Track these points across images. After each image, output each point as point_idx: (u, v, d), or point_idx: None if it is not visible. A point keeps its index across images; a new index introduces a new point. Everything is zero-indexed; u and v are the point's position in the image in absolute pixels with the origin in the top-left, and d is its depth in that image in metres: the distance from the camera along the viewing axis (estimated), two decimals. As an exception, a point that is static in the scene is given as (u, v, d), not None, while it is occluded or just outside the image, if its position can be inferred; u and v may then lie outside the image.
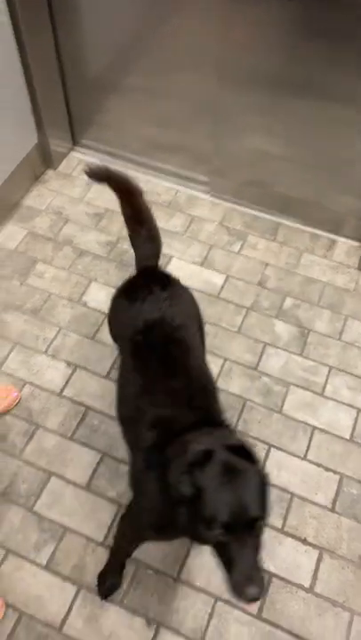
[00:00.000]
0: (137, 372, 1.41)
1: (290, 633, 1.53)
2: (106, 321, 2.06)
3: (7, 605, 1.54)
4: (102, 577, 1.58)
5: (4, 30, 1.98)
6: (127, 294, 1.55)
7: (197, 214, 2.44)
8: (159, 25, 2.07)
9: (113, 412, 1.84)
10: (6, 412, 1.86)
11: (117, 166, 2.52)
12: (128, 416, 1.41)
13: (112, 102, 2.41)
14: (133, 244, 1.65)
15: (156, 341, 1.41)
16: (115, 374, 1.95)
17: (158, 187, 2.53)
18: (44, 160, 2.50)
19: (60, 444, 1.82)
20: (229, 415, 1.86)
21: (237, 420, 1.88)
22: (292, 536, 1.68)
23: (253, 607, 1.55)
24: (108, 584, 1.56)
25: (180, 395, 1.32)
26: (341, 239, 2.37)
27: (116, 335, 1.64)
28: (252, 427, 1.86)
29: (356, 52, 1.83)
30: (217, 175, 2.42)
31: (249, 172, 2.36)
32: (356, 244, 2.36)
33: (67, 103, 2.46)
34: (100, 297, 2.15)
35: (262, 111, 2.11)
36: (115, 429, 1.83)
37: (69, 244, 2.31)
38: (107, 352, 2.01)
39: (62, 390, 1.93)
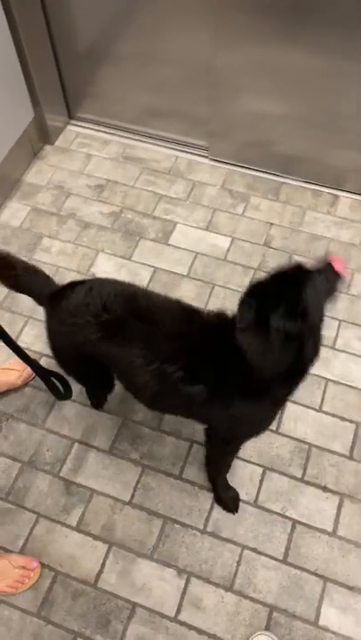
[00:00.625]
0: (129, 346, 1.28)
1: (315, 574, 1.59)
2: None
3: (42, 566, 1.60)
4: (225, 494, 1.67)
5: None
6: (56, 311, 1.39)
7: (198, 179, 2.43)
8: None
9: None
10: (26, 384, 1.91)
11: (115, 136, 2.55)
12: (165, 392, 1.31)
13: (105, 72, 2.39)
14: (24, 287, 1.49)
15: (120, 310, 1.29)
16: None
17: (157, 154, 2.52)
18: (41, 135, 2.49)
19: (80, 412, 1.86)
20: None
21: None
22: (313, 484, 1.72)
23: (279, 552, 1.61)
24: (233, 494, 1.68)
25: (182, 327, 1.27)
26: (344, 194, 2.37)
27: (70, 352, 1.47)
28: (267, 383, 1.90)
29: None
30: (216, 138, 2.40)
31: (248, 134, 2.34)
32: (359, 198, 2.36)
33: (60, 77, 2.44)
34: (109, 267, 2.17)
35: (260, 70, 2.09)
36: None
37: (73, 218, 2.32)
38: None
39: (78, 360, 1.97)
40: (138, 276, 2.14)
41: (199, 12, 2.01)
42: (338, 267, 1.17)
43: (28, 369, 1.88)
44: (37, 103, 2.36)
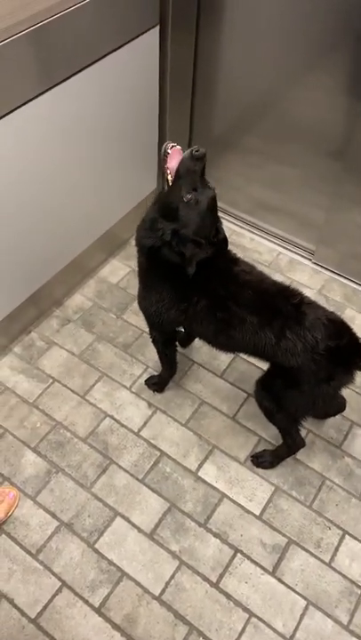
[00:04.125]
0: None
1: None
2: (191, 366, 2.09)
3: (54, 641, 1.51)
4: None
5: (152, 89, 2.13)
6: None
7: (297, 279, 2.43)
8: (285, 94, 2.15)
9: (186, 462, 1.85)
10: (7, 517, 1.70)
11: (225, 221, 2.62)
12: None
13: (229, 160, 2.50)
14: None
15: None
16: (193, 424, 1.94)
17: (261, 246, 2.56)
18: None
19: (130, 484, 1.80)
20: (305, 491, 1.80)
21: (313, 499, 1.79)
22: (358, 636, 1.55)
23: None
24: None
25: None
26: None
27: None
28: (329, 508, 1.77)
29: None
30: (323, 244, 2.42)
31: (356, 246, 2.34)
32: None
33: (189, 155, 2.57)
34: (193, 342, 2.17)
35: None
36: (185, 481, 1.81)
37: (168, 288, 2.36)
38: (188, 399, 2.00)
39: (140, 430, 1.93)
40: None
41: (330, 134, 2.09)
42: None
43: (8, 497, 1.73)
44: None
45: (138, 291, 1.71)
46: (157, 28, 1.98)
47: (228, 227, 2.60)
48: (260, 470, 1.85)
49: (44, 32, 1.54)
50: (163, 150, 1.36)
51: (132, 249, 2.49)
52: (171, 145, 1.35)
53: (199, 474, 1.84)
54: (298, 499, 1.79)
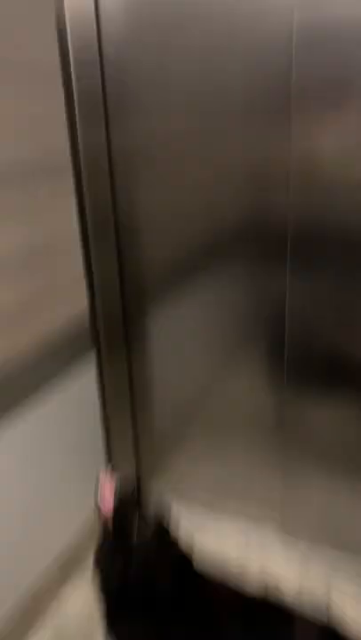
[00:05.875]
0: None
1: None
2: None
3: None
4: None
5: (93, 415, 2.33)
6: None
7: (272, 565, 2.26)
8: (217, 388, 2.37)
9: None
10: None
11: (183, 519, 2.53)
12: None
13: (175, 461, 2.58)
14: None
15: None
16: None
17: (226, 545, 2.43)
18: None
19: None
20: None
21: None
22: None
23: None
24: None
25: None
26: None
27: None
28: None
29: None
30: (287, 533, 2.35)
31: (321, 516, 2.28)
32: None
33: (137, 468, 2.65)
34: None
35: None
36: None
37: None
38: None
39: None
40: None
41: (264, 413, 2.27)
42: None
43: None
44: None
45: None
46: (93, 353, 2.26)
47: (191, 526, 2.49)
48: None
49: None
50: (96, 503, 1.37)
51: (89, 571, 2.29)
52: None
53: None
54: None
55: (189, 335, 2.32)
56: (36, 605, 2.06)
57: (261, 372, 2.27)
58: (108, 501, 1.33)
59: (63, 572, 2.22)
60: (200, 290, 2.21)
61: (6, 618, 1.90)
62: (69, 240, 2.08)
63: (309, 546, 2.33)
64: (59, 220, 2.00)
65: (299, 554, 2.30)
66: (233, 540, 2.41)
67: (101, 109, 2.02)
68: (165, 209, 2.13)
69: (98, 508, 1.34)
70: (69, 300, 2.10)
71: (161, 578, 1.32)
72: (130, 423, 2.55)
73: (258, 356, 2.25)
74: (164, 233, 2.18)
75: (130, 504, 1.30)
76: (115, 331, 2.36)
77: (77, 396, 2.19)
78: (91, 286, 2.24)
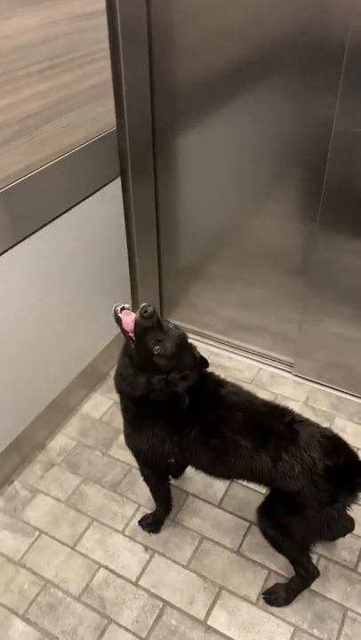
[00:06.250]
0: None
1: None
2: (186, 498, 1.97)
3: None
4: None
5: (119, 233, 2.28)
6: None
7: (281, 392, 2.43)
8: (242, 224, 2.31)
9: (193, 610, 1.67)
10: None
11: (202, 344, 2.66)
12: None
13: (198, 287, 2.61)
14: None
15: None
16: (196, 564, 1.79)
17: (240, 364, 2.58)
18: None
19: (132, 646, 1.60)
20: (328, 628, 1.63)
21: (338, 635, 1.61)
22: None
23: None
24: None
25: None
26: None
27: None
28: (357, 645, 1.59)
29: None
30: (300, 356, 2.45)
31: (333, 355, 2.38)
32: None
33: (160, 286, 2.67)
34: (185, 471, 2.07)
35: (347, 299, 2.20)
36: (195, 633, 1.62)
37: (153, 417, 2.31)
38: (187, 537, 1.87)
39: (138, 579, 1.76)
40: (213, 488, 2.01)
41: (294, 256, 2.23)
42: None
43: None
44: (137, 307, 2.54)
45: (125, 430, 1.66)
46: (118, 179, 2.17)
47: (206, 348, 2.63)
48: (275, 609, 1.68)
49: (14, 192, 1.66)
50: (113, 313, 1.40)
51: (112, 381, 2.49)
52: (120, 307, 1.40)
53: (209, 622, 1.65)
54: (321, 638, 1.61)
55: (221, 165, 2.18)
56: (64, 409, 2.30)
57: (294, 210, 2.18)
58: (128, 318, 1.37)
59: (88, 385, 2.42)
60: (237, 111, 2.02)
61: (40, 416, 2.12)
62: (97, 42, 1.85)
63: (316, 383, 2.47)
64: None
65: (306, 390, 2.44)
66: (246, 367, 2.56)
67: None
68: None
69: (117, 320, 1.38)
70: (97, 115, 1.94)
71: (181, 385, 1.44)
72: (154, 252, 2.54)
73: (292, 192, 2.14)
74: (202, 35, 1.92)
75: (150, 324, 1.33)
76: (142, 155, 2.22)
77: (103, 219, 2.16)
78: (119, 103, 2.05)
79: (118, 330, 1.40)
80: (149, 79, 2.06)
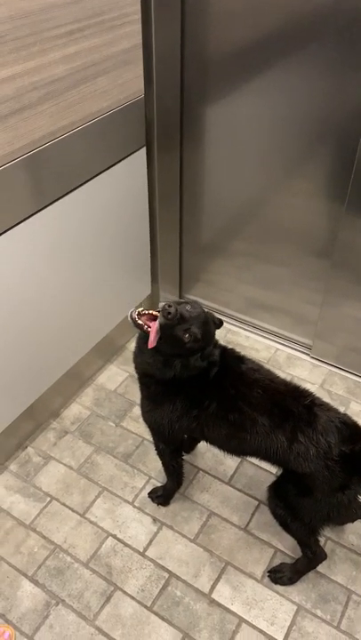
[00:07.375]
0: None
1: None
2: (197, 474, 1.98)
3: None
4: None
5: (142, 205, 2.25)
6: None
7: (297, 374, 2.40)
8: (268, 201, 2.25)
9: (198, 583, 1.69)
10: None
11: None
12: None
13: (218, 263, 2.57)
14: None
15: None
16: (203, 539, 1.81)
17: (258, 343, 2.56)
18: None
19: (137, 612, 1.63)
20: (331, 609, 1.64)
21: (341, 617, 1.62)
22: None
23: None
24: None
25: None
26: None
27: None
28: (359, 628, 1.60)
29: None
30: (319, 338, 2.42)
31: (352, 339, 2.34)
32: None
33: (180, 262, 2.65)
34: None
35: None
36: (198, 605, 1.65)
37: (167, 392, 2.32)
38: (196, 511, 1.88)
39: (145, 549, 1.79)
40: (223, 465, 2.02)
41: (314, 235, 2.18)
42: None
43: (3, 637, 1.58)
44: (156, 281, 2.54)
45: (143, 407, 1.65)
46: (144, 149, 2.12)
47: (225, 325, 2.61)
48: (279, 587, 1.69)
49: (38, 158, 1.64)
50: (131, 320, 1.38)
51: (128, 354, 2.50)
52: (136, 313, 1.38)
53: (213, 596, 1.68)
54: (324, 618, 1.62)
55: (249, 139, 2.12)
56: (79, 379, 2.31)
57: (322, 190, 2.11)
58: (153, 332, 1.35)
59: (104, 357, 2.43)
60: (269, 83, 1.95)
61: (56, 384, 2.14)
62: (129, 4, 1.79)
63: (334, 367, 2.43)
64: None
65: (323, 373, 2.42)
66: (263, 347, 2.53)
67: None
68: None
69: (143, 331, 1.37)
70: (124, 82, 1.89)
71: (215, 353, 1.46)
72: (176, 225, 2.50)
73: (321, 171, 2.08)
74: (238, 2, 1.85)
75: (175, 321, 1.32)
76: (169, 125, 2.17)
77: (126, 190, 2.12)
78: (148, 70, 2.00)
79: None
80: (180, 46, 1.99)
